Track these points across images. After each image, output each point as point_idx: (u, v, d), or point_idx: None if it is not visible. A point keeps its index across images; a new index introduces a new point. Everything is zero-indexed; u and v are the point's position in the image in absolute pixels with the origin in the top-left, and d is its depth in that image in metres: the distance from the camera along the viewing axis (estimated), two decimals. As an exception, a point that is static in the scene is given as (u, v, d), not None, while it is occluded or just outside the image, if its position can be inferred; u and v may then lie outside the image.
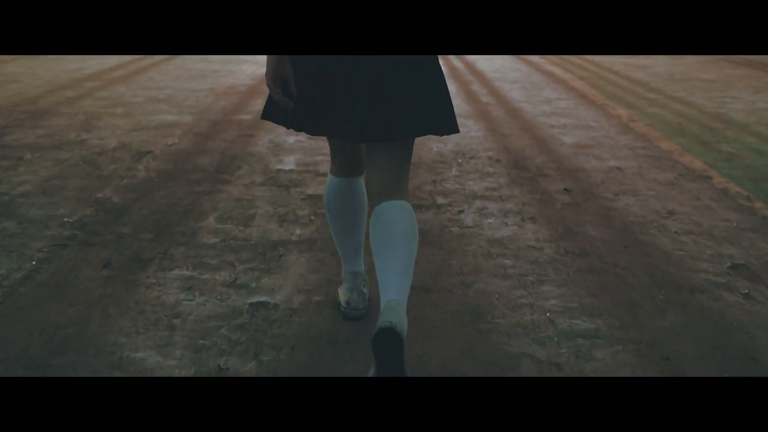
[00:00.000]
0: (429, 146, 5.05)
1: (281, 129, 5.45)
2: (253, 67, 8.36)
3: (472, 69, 8.38)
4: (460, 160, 4.75)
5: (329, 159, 4.64)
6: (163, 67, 8.30)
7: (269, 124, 5.65)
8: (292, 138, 5.22)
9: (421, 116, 2.23)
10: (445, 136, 5.29)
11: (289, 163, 4.65)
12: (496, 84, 7.44)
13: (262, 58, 9.00)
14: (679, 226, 3.67)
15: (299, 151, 4.89)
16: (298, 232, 3.55)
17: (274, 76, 2.19)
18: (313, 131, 2.26)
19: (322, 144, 5.06)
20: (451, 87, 7.40)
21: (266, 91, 6.97)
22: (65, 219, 3.67)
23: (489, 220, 3.72)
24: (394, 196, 2.30)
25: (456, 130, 2.30)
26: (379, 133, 2.19)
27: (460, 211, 3.85)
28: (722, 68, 8.58)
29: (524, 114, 6.10)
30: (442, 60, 9.16)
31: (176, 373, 2.29)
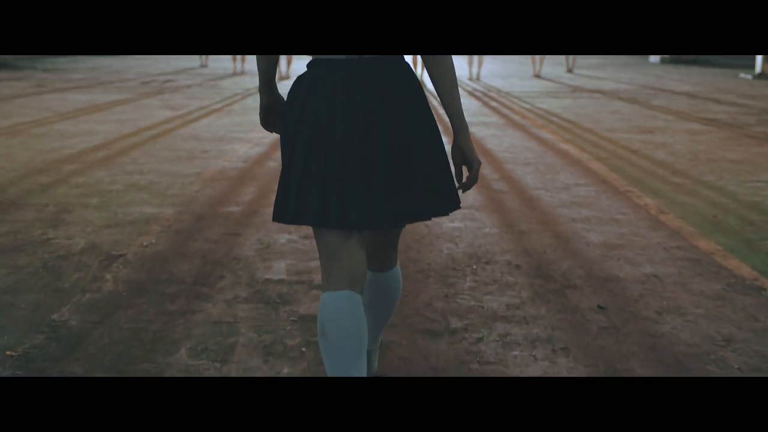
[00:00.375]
0: (439, 248, 4.47)
1: (272, 227, 4.88)
2: (245, 147, 7.83)
3: (482, 148, 7.85)
4: (474, 266, 4.16)
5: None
6: (150, 146, 7.78)
7: (259, 219, 5.08)
8: (283, 237, 4.64)
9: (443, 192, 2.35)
10: (457, 236, 4.72)
11: (279, 270, 4.06)
12: (507, 167, 6.90)
13: (254, 137, 8.47)
14: (740, 359, 3.08)
15: (291, 255, 4.31)
16: (285, 370, 2.95)
17: (266, 117, 2.52)
18: (340, 223, 2.21)
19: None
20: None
21: (258, 177, 6.42)
22: (8, 352, 3.08)
23: (514, 353, 3.12)
24: (393, 262, 2.55)
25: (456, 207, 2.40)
26: (393, 217, 2.22)
27: (479, 339, 3.25)
28: (746, 146, 8.05)
29: (542, 204, 5.54)
30: (443, 135, 8.63)
31: None
